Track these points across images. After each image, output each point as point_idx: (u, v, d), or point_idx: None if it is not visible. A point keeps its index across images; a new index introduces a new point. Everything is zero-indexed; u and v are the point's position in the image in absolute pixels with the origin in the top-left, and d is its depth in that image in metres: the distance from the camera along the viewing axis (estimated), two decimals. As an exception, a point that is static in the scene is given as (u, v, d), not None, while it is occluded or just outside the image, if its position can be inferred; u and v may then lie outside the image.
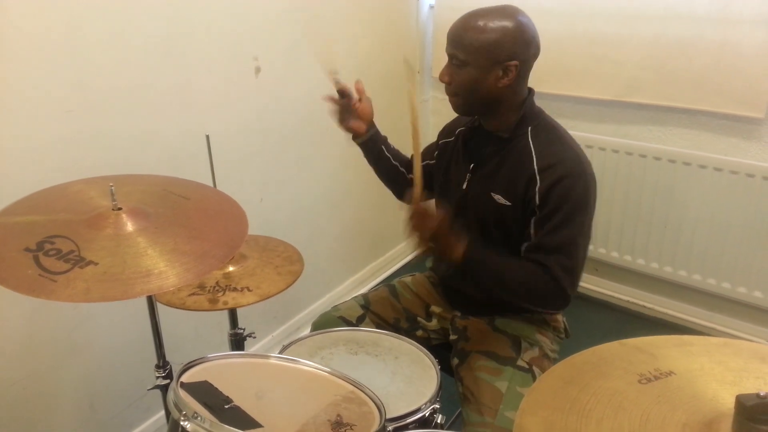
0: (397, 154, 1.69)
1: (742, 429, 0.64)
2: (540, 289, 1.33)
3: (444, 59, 1.41)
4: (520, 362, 1.43)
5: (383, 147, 1.66)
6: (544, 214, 1.34)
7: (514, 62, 1.32)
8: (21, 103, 1.44)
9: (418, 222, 1.30)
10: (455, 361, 1.50)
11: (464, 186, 1.48)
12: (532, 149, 1.37)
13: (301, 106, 2.23)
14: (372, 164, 1.69)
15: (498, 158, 1.42)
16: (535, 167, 1.35)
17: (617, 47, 2.27)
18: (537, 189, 1.34)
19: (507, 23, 1.31)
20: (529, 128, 1.40)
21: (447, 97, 1.44)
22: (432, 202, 1.38)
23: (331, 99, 1.56)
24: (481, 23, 1.31)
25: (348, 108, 1.57)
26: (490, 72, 1.33)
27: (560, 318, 1.58)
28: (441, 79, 1.41)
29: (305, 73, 2.18)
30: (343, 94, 1.54)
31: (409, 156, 1.68)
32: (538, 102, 1.46)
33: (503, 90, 1.36)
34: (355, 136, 1.62)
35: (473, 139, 1.51)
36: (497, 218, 1.42)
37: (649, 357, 0.81)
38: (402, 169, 1.68)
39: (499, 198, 1.40)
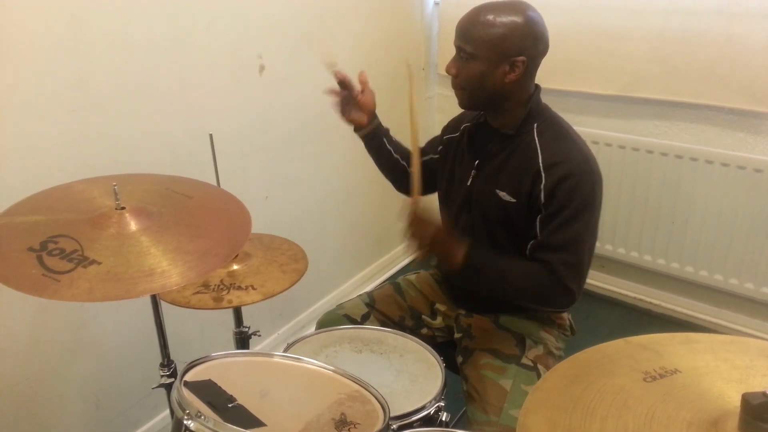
0: (398, 146, 1.68)
1: (748, 427, 0.64)
2: (544, 289, 1.32)
3: (449, 55, 1.40)
4: (524, 360, 1.42)
5: (385, 139, 1.65)
6: (549, 212, 1.33)
7: (521, 58, 1.31)
8: (24, 102, 1.44)
9: (416, 228, 1.30)
10: (460, 359, 1.49)
11: (469, 182, 1.47)
12: (538, 146, 1.36)
13: (306, 104, 2.22)
14: (373, 156, 1.69)
15: (503, 155, 1.41)
16: (541, 165, 1.34)
17: (622, 42, 2.26)
18: (542, 186, 1.33)
19: (516, 18, 1.30)
20: (535, 125, 1.39)
21: (452, 94, 1.44)
22: (432, 207, 1.37)
23: (333, 91, 1.56)
24: (490, 17, 1.31)
25: (350, 99, 1.57)
26: (497, 67, 1.32)
27: (565, 316, 1.57)
28: (448, 71, 1.39)
29: (309, 70, 2.18)
30: (343, 85, 1.54)
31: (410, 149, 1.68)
32: (544, 98, 1.45)
33: (510, 85, 1.35)
34: (357, 128, 1.62)
35: (478, 135, 1.50)
36: (502, 215, 1.41)
37: (654, 355, 0.81)
38: (402, 162, 1.67)
39: (504, 195, 1.39)
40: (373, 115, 1.61)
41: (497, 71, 1.33)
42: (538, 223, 1.35)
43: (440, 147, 1.62)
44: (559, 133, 1.39)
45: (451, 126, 1.63)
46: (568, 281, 1.30)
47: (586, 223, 1.33)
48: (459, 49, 1.36)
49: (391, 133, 1.69)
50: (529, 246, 1.37)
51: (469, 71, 1.35)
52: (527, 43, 1.32)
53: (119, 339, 1.79)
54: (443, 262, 1.36)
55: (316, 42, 1.56)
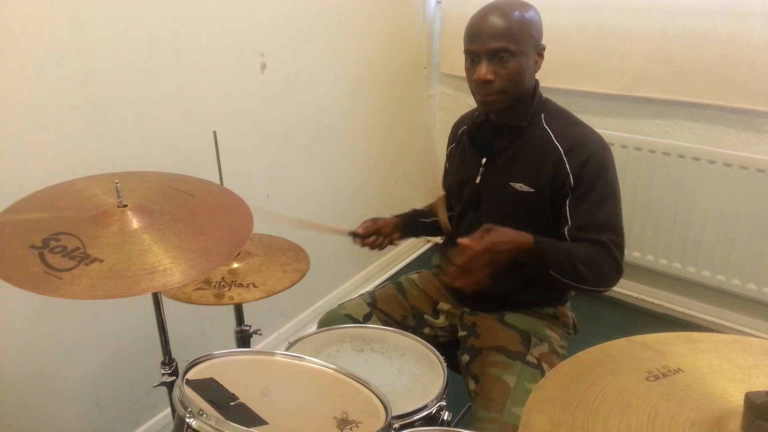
0: (431, 212, 1.74)
1: (751, 427, 0.63)
2: (604, 267, 1.33)
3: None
4: (529, 357, 1.42)
5: (419, 219, 1.73)
6: (580, 193, 1.35)
7: (543, 46, 1.39)
8: (26, 100, 1.44)
9: (467, 265, 1.28)
10: (465, 358, 1.49)
11: (477, 180, 1.48)
12: (551, 134, 1.40)
13: (308, 103, 2.22)
14: (426, 236, 1.78)
15: (514, 147, 1.43)
16: (561, 150, 1.37)
17: (625, 41, 2.25)
18: (569, 170, 1.35)
19: (531, 10, 1.37)
20: (542, 115, 1.43)
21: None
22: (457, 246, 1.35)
23: (364, 244, 1.65)
24: (516, 13, 1.34)
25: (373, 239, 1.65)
26: (531, 59, 1.38)
27: (569, 313, 1.58)
28: (482, 79, 1.35)
29: (311, 69, 2.18)
30: (356, 235, 1.64)
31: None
32: (547, 96, 1.48)
33: (534, 76, 1.41)
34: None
35: (480, 133, 1.51)
36: (517, 207, 1.43)
37: (657, 354, 0.80)
38: (449, 213, 1.71)
39: (520, 186, 1.41)
40: (398, 226, 1.68)
41: (532, 63, 1.39)
42: (568, 207, 1.37)
43: (447, 163, 1.67)
44: (566, 119, 1.44)
45: (450, 138, 1.67)
46: (618, 258, 1.33)
47: (617, 198, 1.37)
48: (497, 51, 1.33)
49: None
50: (566, 230, 1.38)
51: (511, 70, 1.35)
52: (542, 32, 1.39)
53: (120, 337, 1.79)
54: (515, 260, 1.32)
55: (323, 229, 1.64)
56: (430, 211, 1.74)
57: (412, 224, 1.72)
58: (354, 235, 1.64)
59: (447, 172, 1.69)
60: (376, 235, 1.64)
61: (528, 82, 1.40)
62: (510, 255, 1.30)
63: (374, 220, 1.67)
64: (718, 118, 2.21)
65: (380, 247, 1.66)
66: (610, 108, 2.42)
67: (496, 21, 1.33)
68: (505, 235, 1.30)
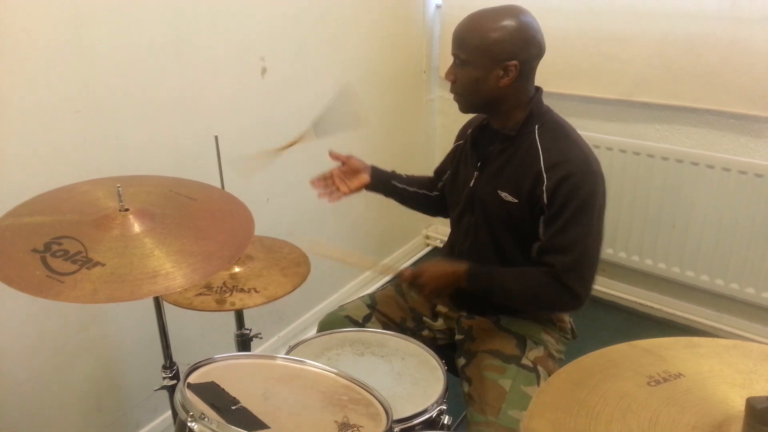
0: (412, 180, 1.74)
1: (752, 432, 0.64)
2: (549, 294, 1.34)
3: (451, 57, 1.42)
4: (524, 361, 1.43)
5: (393, 182, 1.71)
6: (551, 213, 1.34)
7: (513, 62, 1.33)
8: (28, 103, 1.44)
9: (420, 288, 1.44)
10: (461, 361, 1.50)
11: (471, 183, 1.49)
12: (539, 147, 1.38)
13: (308, 107, 2.22)
14: (394, 199, 1.74)
15: (505, 156, 1.43)
16: (542, 165, 1.35)
17: (624, 45, 2.26)
18: (544, 187, 1.34)
19: (508, 23, 1.32)
20: (536, 126, 1.40)
21: (452, 97, 1.45)
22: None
23: (318, 186, 1.71)
24: (482, 23, 1.34)
25: (339, 178, 1.66)
26: (490, 72, 1.35)
27: (567, 318, 1.58)
28: (446, 77, 1.43)
29: (312, 73, 2.18)
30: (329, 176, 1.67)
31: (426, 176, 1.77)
32: (546, 101, 1.46)
33: (505, 89, 1.37)
34: (366, 188, 1.69)
35: (481, 137, 1.52)
36: (504, 215, 1.42)
37: (658, 359, 0.81)
38: (422, 191, 1.73)
39: (506, 195, 1.41)
40: (369, 170, 1.67)
41: (491, 76, 1.35)
42: (541, 224, 1.37)
43: (453, 159, 1.65)
44: (560, 135, 1.41)
45: (460, 133, 1.66)
46: (572, 283, 1.31)
47: (587, 225, 1.34)
48: (455, 56, 1.39)
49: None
50: (534, 249, 1.39)
51: (465, 77, 1.38)
52: (518, 47, 1.34)
53: (120, 341, 1.79)
54: (451, 289, 1.45)
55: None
56: (420, 183, 1.74)
57: (388, 179, 1.71)
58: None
59: (446, 164, 1.68)
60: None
61: (486, 94, 1.38)
62: (443, 283, 1.43)
63: (351, 162, 1.67)
64: (717, 122, 2.21)
65: (331, 194, 1.70)
66: (610, 112, 2.42)
67: (459, 27, 1.38)
68: (436, 267, 1.45)
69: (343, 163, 1.65)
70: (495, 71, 1.34)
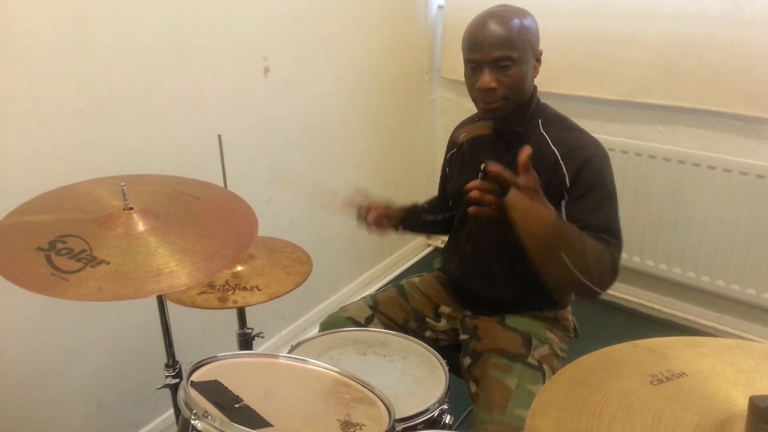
0: (433, 208, 1.74)
1: (755, 430, 0.64)
2: (606, 263, 1.29)
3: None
4: (530, 359, 1.43)
5: (422, 215, 1.72)
6: (577, 195, 1.35)
7: (540, 52, 1.40)
8: (30, 103, 1.45)
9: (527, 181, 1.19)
10: (467, 361, 1.50)
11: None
12: (549, 139, 1.40)
13: (310, 106, 2.23)
14: (422, 233, 1.74)
15: (512, 153, 1.43)
16: (557, 154, 1.38)
17: (626, 47, 2.26)
18: (565, 172, 1.36)
19: (529, 17, 1.38)
20: (540, 120, 1.43)
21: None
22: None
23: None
24: (516, 21, 1.35)
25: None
26: (530, 65, 1.39)
27: (570, 317, 1.58)
28: (486, 87, 1.35)
29: (314, 73, 2.19)
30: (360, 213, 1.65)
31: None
32: (548, 102, 1.48)
33: (533, 82, 1.42)
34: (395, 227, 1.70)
35: (478, 140, 1.52)
36: None
37: (661, 358, 0.81)
38: (440, 216, 1.72)
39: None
40: (394, 213, 1.68)
41: (531, 69, 1.40)
42: (564, 209, 1.36)
43: (447, 168, 1.67)
44: (564, 125, 1.45)
45: (450, 143, 1.68)
46: (618, 260, 1.31)
47: (615, 204, 1.37)
48: (499, 59, 1.33)
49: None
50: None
51: (513, 77, 1.35)
52: (539, 37, 1.40)
53: (121, 339, 1.79)
54: (533, 219, 1.22)
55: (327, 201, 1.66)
56: (430, 209, 1.75)
57: (412, 218, 1.72)
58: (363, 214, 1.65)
59: (446, 178, 1.69)
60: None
61: (528, 88, 1.41)
62: (530, 212, 1.20)
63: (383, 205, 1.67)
64: (718, 124, 2.22)
65: (376, 227, 1.67)
66: (611, 113, 2.43)
67: (497, 29, 1.33)
68: (541, 194, 1.23)
69: (369, 210, 1.67)
70: (533, 63, 1.39)
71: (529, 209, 1.19)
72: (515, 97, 1.39)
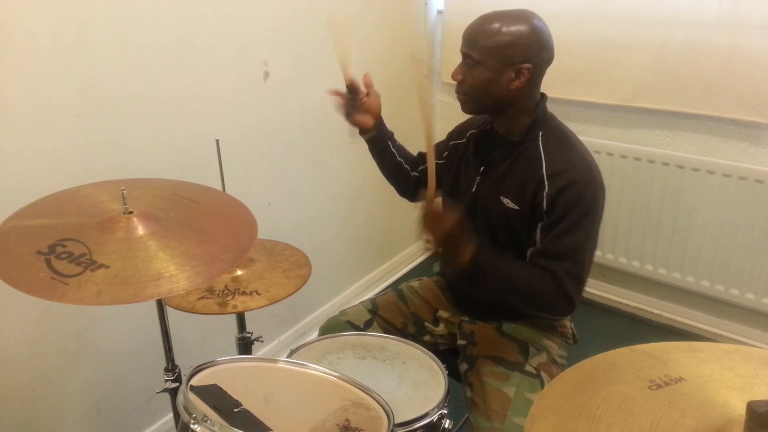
0: (402, 150, 1.69)
1: (753, 435, 0.64)
2: (545, 294, 1.32)
3: (452, 63, 1.42)
4: (528, 368, 1.43)
5: (389, 142, 1.66)
6: (551, 219, 1.34)
7: (526, 65, 1.34)
8: (30, 106, 1.45)
9: (431, 222, 1.29)
10: (464, 366, 1.50)
11: (474, 189, 1.48)
12: (542, 154, 1.38)
13: (310, 111, 2.23)
14: (376, 159, 1.69)
15: (508, 162, 1.43)
16: (544, 172, 1.35)
17: (625, 52, 2.27)
18: (545, 194, 1.34)
19: (522, 26, 1.33)
20: (541, 133, 1.40)
21: (455, 102, 1.45)
22: (442, 202, 1.39)
23: (338, 93, 1.56)
24: (496, 25, 1.33)
25: (354, 102, 1.57)
26: (502, 74, 1.34)
27: (568, 324, 1.58)
28: (454, 77, 1.41)
29: (314, 77, 2.19)
30: (351, 89, 1.55)
31: (415, 153, 1.71)
32: (547, 106, 1.46)
33: (515, 92, 1.37)
34: (363, 131, 1.63)
35: (484, 142, 1.52)
36: (505, 222, 1.42)
37: (659, 363, 0.81)
38: (406, 166, 1.68)
39: (507, 202, 1.41)
40: (378, 118, 1.62)
41: (502, 78, 1.35)
42: (538, 231, 1.36)
43: (445, 153, 1.63)
44: (563, 142, 1.41)
45: (456, 132, 1.64)
46: (569, 290, 1.31)
47: (587, 232, 1.34)
48: (465, 55, 1.38)
49: (398, 137, 1.70)
50: (529, 252, 1.38)
51: (475, 77, 1.37)
52: (532, 51, 1.34)
53: (120, 344, 1.79)
54: (450, 260, 1.35)
55: (338, 31, 1.56)
56: (407, 158, 1.69)
57: (386, 138, 1.66)
58: (349, 84, 1.56)
59: (445, 170, 1.63)
60: (354, 95, 1.57)
61: (496, 95, 1.37)
62: (451, 246, 1.30)
63: (373, 96, 1.59)
64: (717, 129, 2.22)
65: (345, 107, 1.58)
66: (610, 118, 2.43)
67: (472, 27, 1.37)
68: (464, 230, 1.29)
69: (368, 94, 1.58)
70: (507, 73, 1.34)
71: (453, 248, 1.30)
72: (477, 98, 1.40)
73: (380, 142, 1.65)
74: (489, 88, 1.36)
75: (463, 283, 1.53)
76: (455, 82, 1.43)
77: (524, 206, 1.38)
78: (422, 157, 1.70)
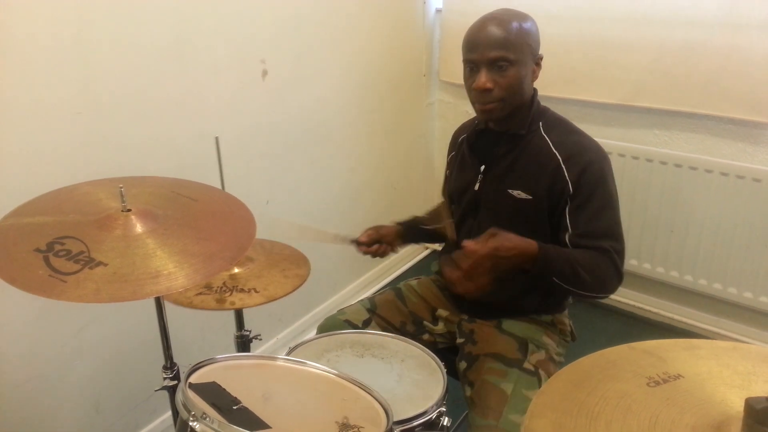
0: (432, 219, 1.74)
1: (751, 432, 0.64)
2: (605, 273, 1.34)
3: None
4: (526, 365, 1.43)
5: (422, 229, 1.73)
6: (580, 201, 1.37)
7: (540, 56, 1.41)
8: (29, 105, 1.45)
9: (471, 269, 1.28)
10: (463, 364, 1.50)
11: (476, 187, 1.50)
12: (549, 142, 1.41)
13: (309, 110, 2.23)
14: (426, 243, 1.76)
15: (513, 155, 1.45)
16: (559, 158, 1.39)
17: (624, 51, 2.27)
18: (567, 178, 1.37)
19: (529, 21, 1.39)
20: (541, 123, 1.44)
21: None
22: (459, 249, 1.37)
23: (367, 252, 1.67)
24: (515, 24, 1.36)
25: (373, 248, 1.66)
26: (529, 68, 1.40)
27: (567, 321, 1.59)
28: (482, 87, 1.37)
29: (312, 75, 2.19)
30: (359, 243, 1.65)
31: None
32: (546, 105, 1.49)
33: (531, 85, 1.43)
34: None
35: (480, 141, 1.53)
36: (514, 214, 1.44)
37: (658, 360, 0.81)
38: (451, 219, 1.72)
39: (518, 193, 1.43)
40: (399, 234, 1.70)
41: (530, 72, 1.41)
42: (567, 215, 1.38)
43: (447, 171, 1.68)
44: (565, 128, 1.46)
45: (451, 146, 1.69)
46: (620, 265, 1.34)
47: (616, 207, 1.39)
48: (495, 60, 1.35)
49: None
50: (567, 237, 1.38)
51: (510, 79, 1.37)
52: (539, 42, 1.41)
53: (119, 342, 1.79)
54: (516, 268, 1.33)
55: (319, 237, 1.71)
56: (431, 218, 1.74)
57: (413, 231, 1.73)
58: (357, 243, 1.65)
59: (447, 180, 1.70)
60: (378, 243, 1.66)
61: (526, 91, 1.42)
62: (514, 261, 1.30)
63: (377, 228, 1.68)
64: (715, 128, 2.22)
65: (382, 254, 1.68)
66: (609, 117, 2.44)
67: (495, 31, 1.36)
68: (510, 241, 1.30)
69: (378, 241, 1.67)
70: (532, 67, 1.40)
71: (511, 250, 1.29)
72: (511, 99, 1.39)
73: (414, 238, 1.76)
74: (522, 85, 1.39)
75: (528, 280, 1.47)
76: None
77: (539, 195, 1.41)
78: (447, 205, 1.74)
